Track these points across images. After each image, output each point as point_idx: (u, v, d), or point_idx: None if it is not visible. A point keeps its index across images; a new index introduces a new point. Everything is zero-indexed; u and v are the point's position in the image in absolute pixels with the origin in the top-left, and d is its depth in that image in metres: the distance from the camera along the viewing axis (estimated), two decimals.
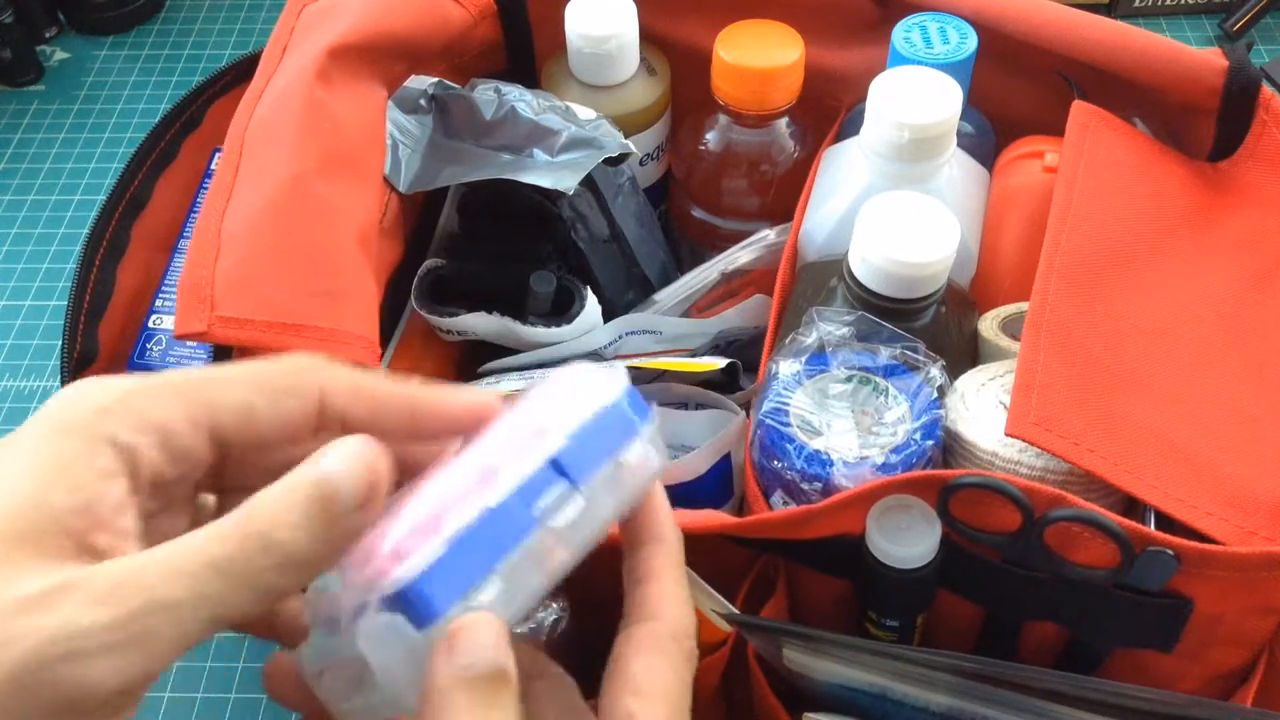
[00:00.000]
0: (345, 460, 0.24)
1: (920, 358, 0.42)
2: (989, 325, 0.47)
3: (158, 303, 0.52)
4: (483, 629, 0.24)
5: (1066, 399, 0.39)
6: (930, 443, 0.40)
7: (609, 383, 0.29)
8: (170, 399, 0.25)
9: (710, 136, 0.55)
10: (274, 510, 0.23)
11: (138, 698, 0.23)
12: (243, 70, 0.53)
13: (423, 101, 0.53)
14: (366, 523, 0.25)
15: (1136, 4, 0.84)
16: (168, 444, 0.25)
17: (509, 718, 0.24)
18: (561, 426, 0.27)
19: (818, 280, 0.47)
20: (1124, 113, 0.48)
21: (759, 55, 0.51)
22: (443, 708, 0.23)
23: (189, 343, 0.49)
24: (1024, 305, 0.42)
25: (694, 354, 0.54)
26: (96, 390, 0.25)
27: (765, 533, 0.39)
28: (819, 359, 0.43)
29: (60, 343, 0.47)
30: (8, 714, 0.21)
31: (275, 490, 0.24)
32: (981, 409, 0.41)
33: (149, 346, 0.50)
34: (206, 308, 0.40)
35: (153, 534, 0.25)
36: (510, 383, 0.48)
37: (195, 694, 0.55)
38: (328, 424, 0.27)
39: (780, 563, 0.43)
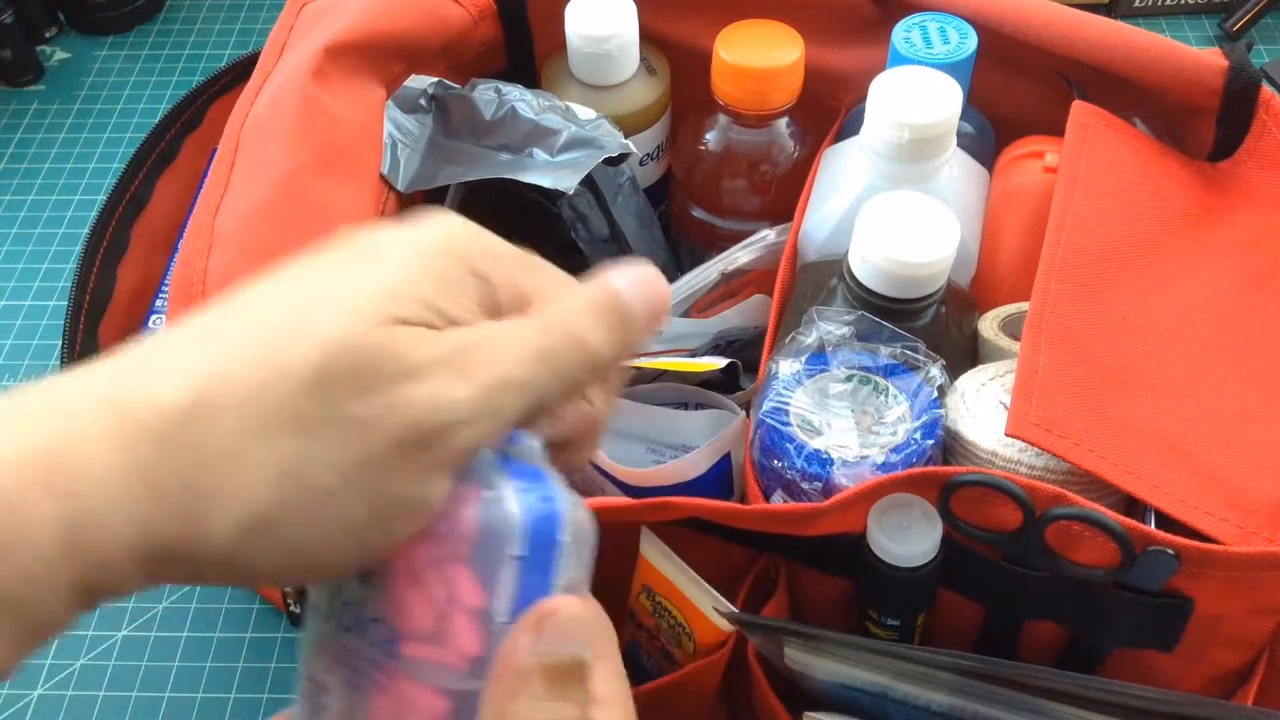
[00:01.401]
0: (638, 281, 0.28)
1: (920, 358, 0.42)
2: (989, 325, 0.47)
3: (158, 303, 0.52)
4: (572, 615, 0.25)
5: (1066, 399, 0.39)
6: (930, 442, 0.40)
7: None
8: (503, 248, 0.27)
9: (710, 136, 0.55)
10: (582, 317, 0.27)
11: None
12: (243, 70, 0.53)
13: (422, 101, 0.53)
14: (649, 338, 0.28)
15: (1136, 4, 0.84)
16: (500, 277, 0.26)
17: (578, 710, 0.24)
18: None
19: (818, 280, 0.47)
20: (1124, 113, 0.48)
21: (759, 55, 0.51)
22: (517, 687, 0.24)
23: None
24: (1024, 305, 0.42)
25: (694, 354, 0.54)
26: (467, 230, 0.27)
27: (770, 525, 0.39)
28: (819, 359, 0.43)
29: (60, 343, 0.48)
30: (390, 481, 0.23)
31: (580, 299, 0.27)
32: (981, 409, 0.41)
33: None
34: (198, 304, 0.40)
35: None
36: None
37: (195, 694, 0.55)
38: None
39: (781, 562, 0.43)
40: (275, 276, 0.25)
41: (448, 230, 0.26)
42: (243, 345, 0.23)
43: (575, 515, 0.26)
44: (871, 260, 0.42)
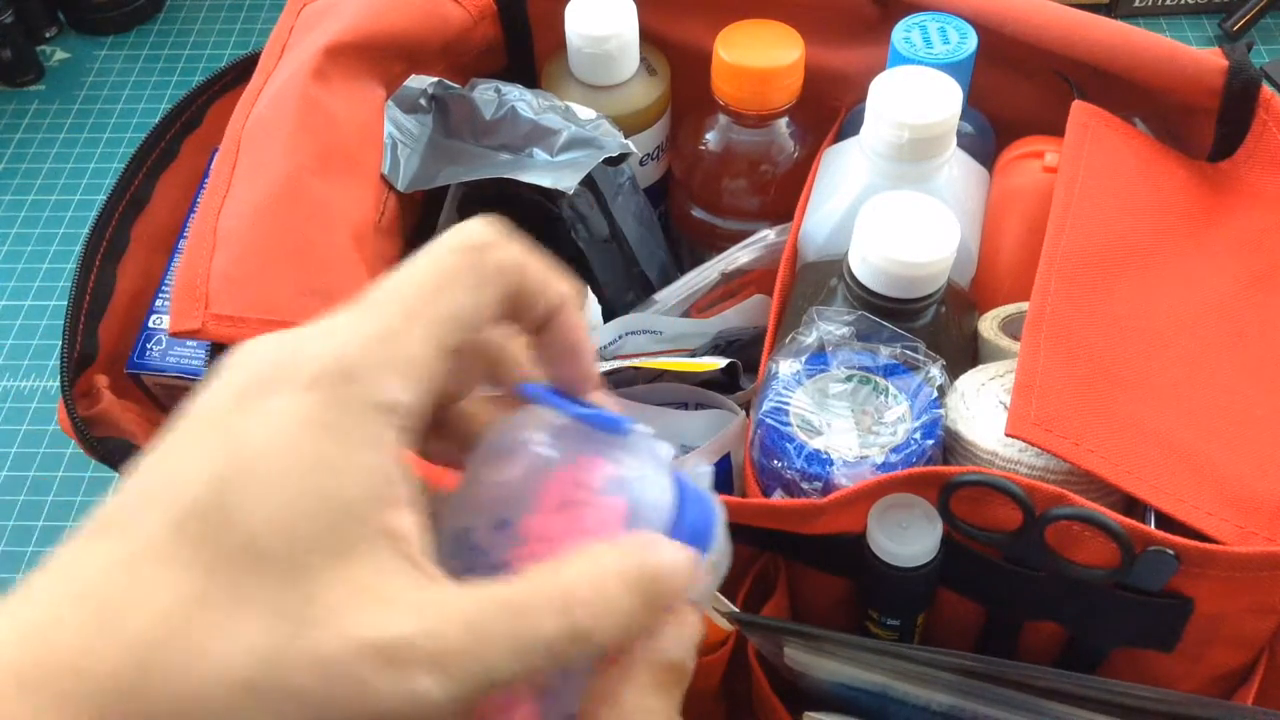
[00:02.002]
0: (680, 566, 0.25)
1: (920, 358, 0.42)
2: (989, 325, 0.47)
3: (158, 303, 0.52)
4: (686, 622, 0.25)
5: (1066, 399, 0.39)
6: (930, 442, 0.40)
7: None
8: (412, 329, 0.24)
9: (710, 136, 0.55)
10: (601, 604, 0.23)
11: None
12: (243, 70, 0.53)
13: (422, 101, 0.53)
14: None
15: (1136, 4, 0.84)
16: (424, 382, 0.24)
17: (672, 709, 0.25)
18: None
19: (818, 280, 0.47)
20: (1124, 113, 0.48)
21: (759, 55, 0.52)
22: (628, 675, 0.25)
23: (188, 342, 0.49)
24: (1024, 305, 0.42)
25: (694, 354, 0.54)
26: (335, 349, 0.23)
27: (769, 521, 0.39)
28: (819, 359, 0.43)
29: (60, 343, 0.48)
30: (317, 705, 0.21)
31: (606, 592, 0.23)
32: (981, 409, 0.41)
33: (149, 346, 0.50)
34: (201, 305, 0.40)
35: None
36: None
37: None
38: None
39: (781, 562, 0.43)
40: (160, 477, 0.22)
41: (343, 370, 0.23)
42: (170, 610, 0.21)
43: (723, 537, 0.27)
44: (871, 260, 0.42)
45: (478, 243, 0.25)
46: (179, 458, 0.22)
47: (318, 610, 0.21)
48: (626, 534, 0.25)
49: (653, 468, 0.26)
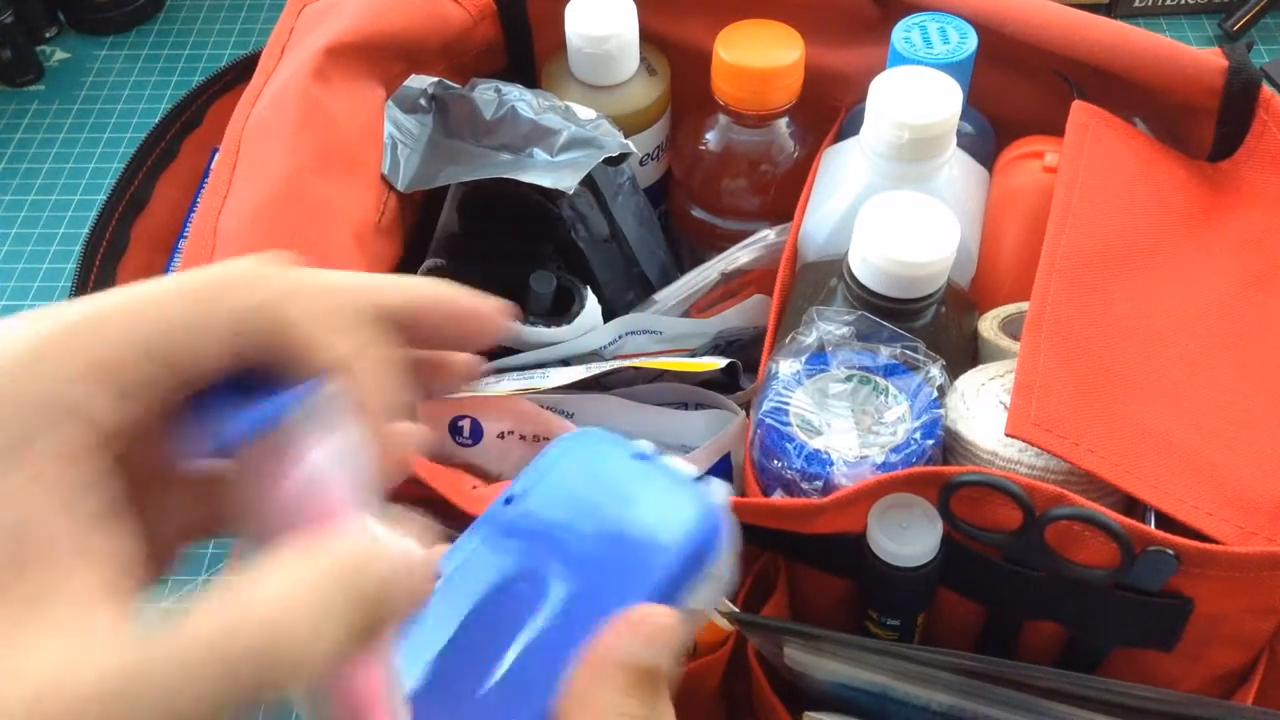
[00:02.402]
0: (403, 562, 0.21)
1: (920, 358, 0.42)
2: (989, 325, 0.47)
3: None
4: (663, 625, 0.25)
5: (1066, 399, 0.39)
6: (930, 442, 0.40)
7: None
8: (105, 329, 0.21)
9: (710, 136, 0.55)
10: (298, 626, 0.19)
11: None
12: (243, 70, 0.53)
13: (422, 101, 0.53)
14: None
15: (1136, 4, 0.84)
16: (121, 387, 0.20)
17: (648, 713, 0.24)
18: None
19: (818, 280, 0.47)
20: (1124, 113, 0.48)
21: (759, 55, 0.52)
22: (602, 675, 0.24)
23: None
24: (1024, 305, 0.42)
25: (694, 354, 0.54)
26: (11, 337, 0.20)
27: (769, 520, 0.39)
28: (819, 359, 0.43)
29: None
30: None
31: (302, 601, 0.19)
32: (981, 409, 0.41)
33: None
34: None
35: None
36: (510, 383, 0.48)
37: None
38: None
39: (781, 561, 0.43)
40: None
41: None
42: None
43: (730, 551, 0.27)
44: (871, 260, 0.42)
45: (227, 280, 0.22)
46: None
47: None
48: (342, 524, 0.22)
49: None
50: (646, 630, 0.25)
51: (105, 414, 0.20)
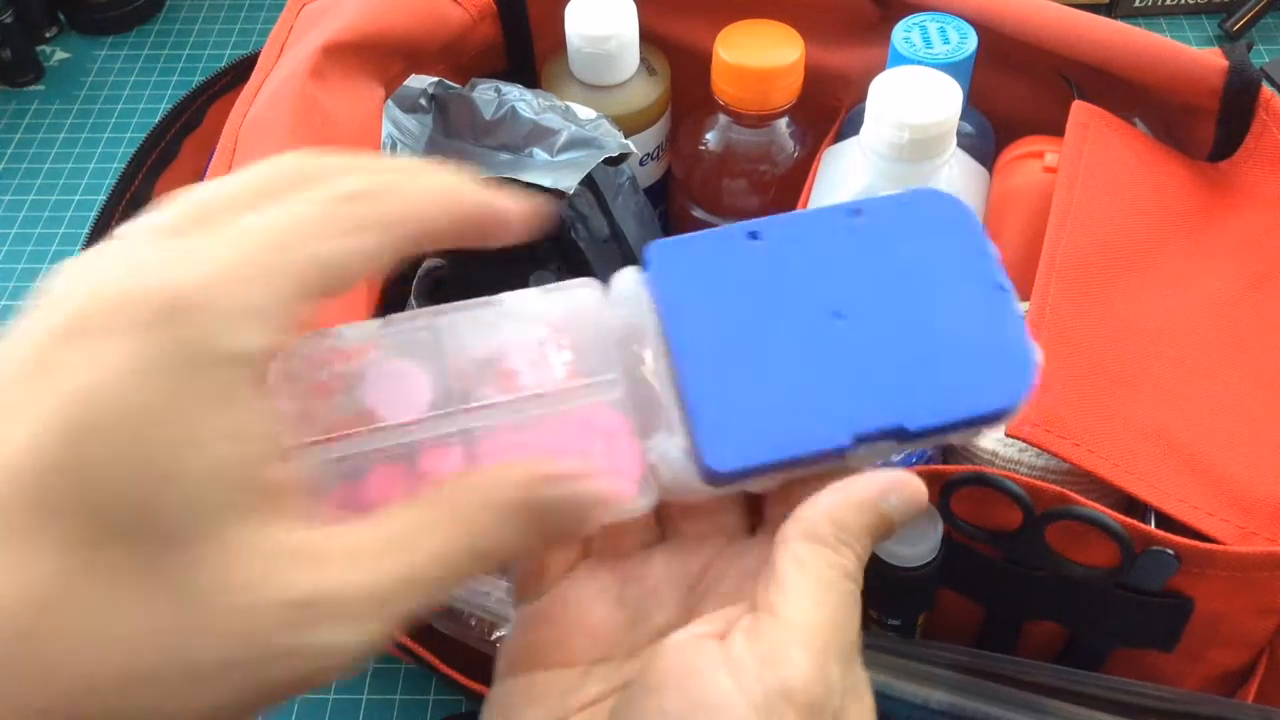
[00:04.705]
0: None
1: None
2: None
3: None
4: (918, 500, 0.27)
5: (1067, 399, 0.39)
6: None
7: None
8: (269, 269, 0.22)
9: (710, 136, 0.55)
10: (489, 527, 0.23)
11: None
12: (243, 70, 0.53)
13: (422, 101, 0.53)
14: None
15: (1136, 4, 0.84)
16: (277, 329, 0.22)
17: (866, 554, 0.26)
18: None
19: None
20: (1124, 113, 0.48)
21: (759, 55, 0.51)
22: (858, 509, 0.26)
23: None
24: (1024, 305, 0.42)
25: None
26: (224, 275, 0.20)
27: None
28: None
29: None
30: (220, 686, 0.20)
31: (495, 505, 0.23)
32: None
33: None
34: None
35: None
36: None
37: None
38: None
39: None
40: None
41: (179, 314, 0.20)
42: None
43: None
44: None
45: (356, 190, 0.23)
46: (11, 409, 0.19)
47: (215, 581, 0.19)
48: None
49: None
50: (911, 498, 0.26)
51: (264, 355, 0.21)
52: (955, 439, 0.28)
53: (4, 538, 0.19)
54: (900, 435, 0.27)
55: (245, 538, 0.20)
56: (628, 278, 0.30)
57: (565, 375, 0.29)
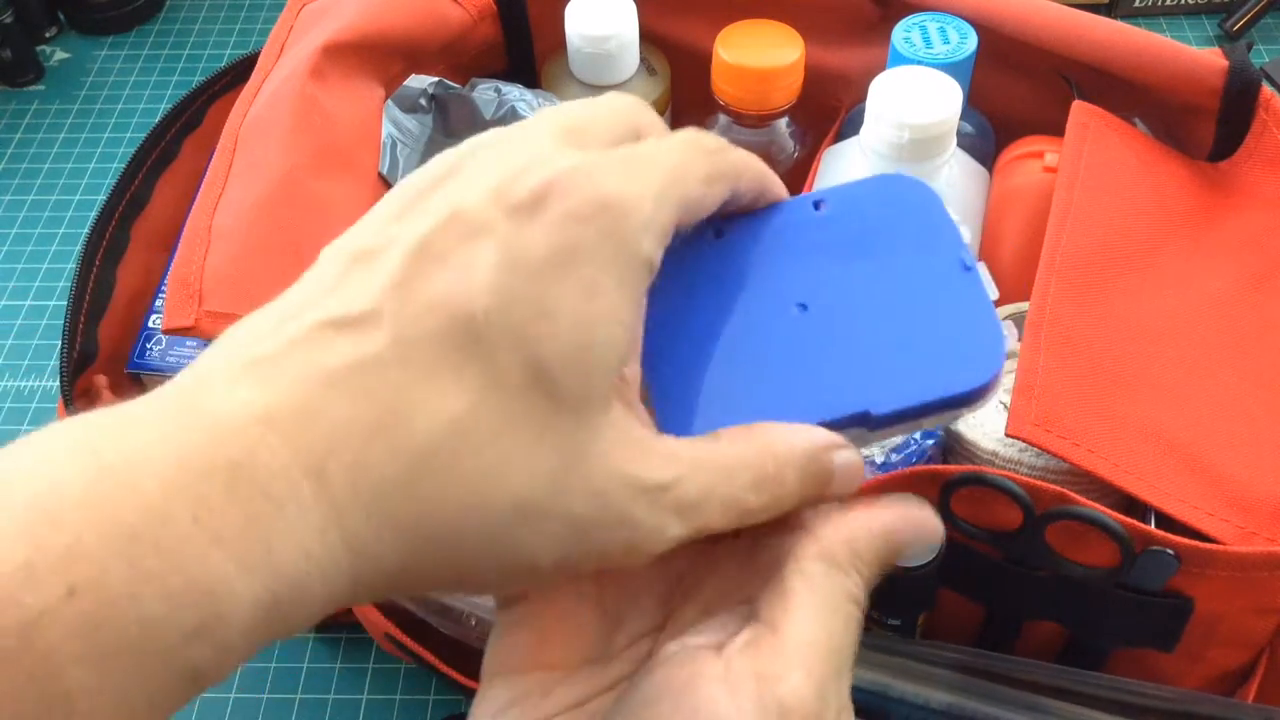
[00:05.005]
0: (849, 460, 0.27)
1: None
2: None
3: (157, 303, 0.52)
4: (930, 531, 0.28)
5: (1066, 399, 0.39)
6: (930, 442, 0.40)
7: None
8: (668, 198, 0.25)
9: None
10: (777, 491, 0.25)
11: None
12: (243, 70, 0.53)
13: (422, 101, 0.53)
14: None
15: (1136, 4, 0.84)
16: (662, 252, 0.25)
17: (872, 583, 0.27)
18: None
19: None
20: (1124, 113, 0.48)
21: (759, 55, 0.51)
22: (872, 536, 0.27)
23: (188, 341, 0.49)
24: (1024, 305, 0.42)
25: None
26: (637, 192, 0.24)
27: None
28: None
29: (60, 343, 0.47)
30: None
31: (782, 476, 0.25)
32: (981, 409, 0.41)
33: (149, 346, 0.51)
34: (195, 302, 0.40)
35: None
36: None
37: None
38: None
39: None
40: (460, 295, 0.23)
41: (628, 204, 0.24)
42: (473, 403, 0.22)
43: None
44: None
45: (714, 145, 0.26)
46: (449, 255, 0.22)
47: (599, 446, 0.23)
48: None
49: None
50: (925, 532, 0.28)
51: (654, 272, 0.25)
52: (929, 423, 0.27)
53: (419, 366, 0.22)
54: (866, 421, 0.26)
55: (621, 418, 0.24)
56: None
57: None
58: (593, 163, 0.24)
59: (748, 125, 0.54)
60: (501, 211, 0.23)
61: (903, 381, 0.26)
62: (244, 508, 0.20)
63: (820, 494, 0.26)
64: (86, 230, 0.50)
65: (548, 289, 0.22)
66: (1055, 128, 0.48)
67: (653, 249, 0.24)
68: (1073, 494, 0.36)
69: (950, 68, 0.47)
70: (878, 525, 0.27)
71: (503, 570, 0.23)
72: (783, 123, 0.54)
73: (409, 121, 0.52)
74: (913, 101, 0.45)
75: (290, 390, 0.21)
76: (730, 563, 0.28)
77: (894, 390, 0.26)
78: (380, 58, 0.51)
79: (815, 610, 0.25)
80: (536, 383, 0.22)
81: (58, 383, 0.49)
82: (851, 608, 0.26)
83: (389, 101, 0.52)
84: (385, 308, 0.22)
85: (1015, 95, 0.53)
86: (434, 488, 0.21)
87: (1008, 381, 0.42)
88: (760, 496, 0.25)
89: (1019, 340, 0.41)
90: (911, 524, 0.27)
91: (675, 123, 0.58)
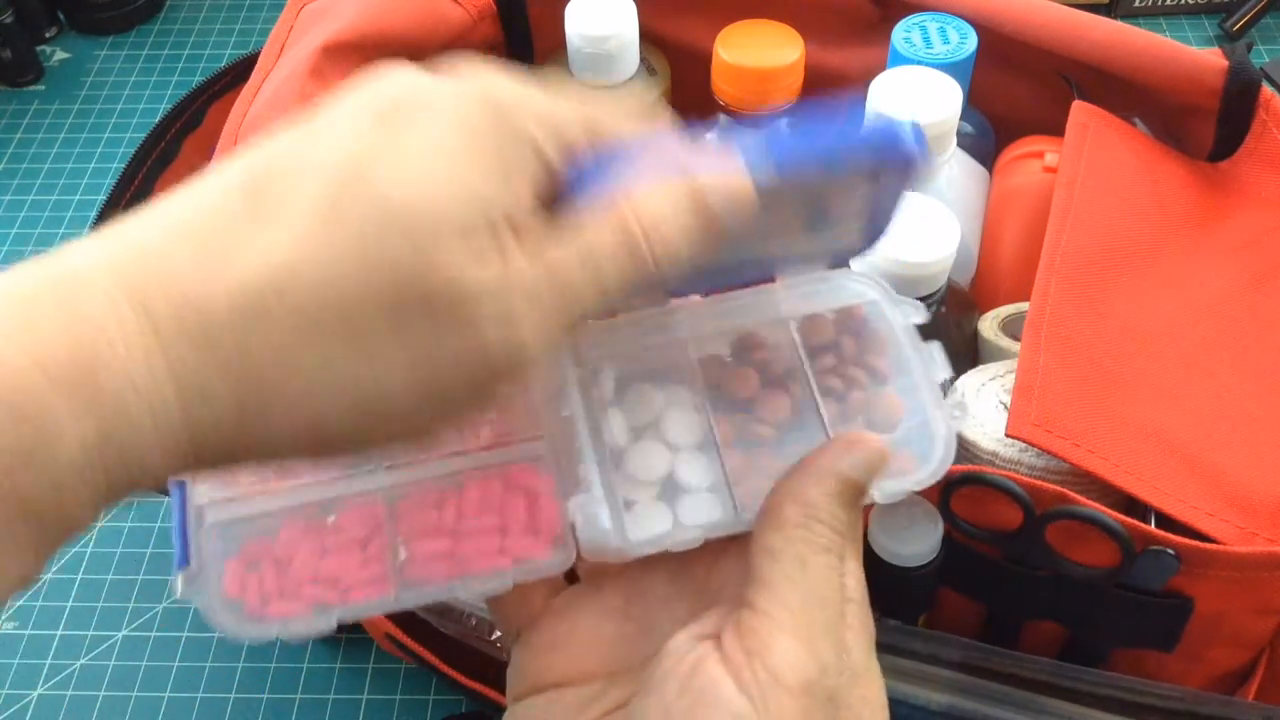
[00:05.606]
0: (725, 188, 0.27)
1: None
2: (989, 325, 0.47)
3: None
4: (877, 454, 0.28)
5: (1067, 400, 0.39)
6: None
7: None
8: (566, 110, 0.27)
9: (710, 137, 0.55)
10: (659, 226, 0.26)
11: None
12: (243, 70, 0.53)
13: None
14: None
15: (1136, 4, 0.84)
16: (553, 143, 0.26)
17: (849, 522, 0.27)
18: None
19: None
20: (1124, 113, 0.48)
21: (759, 55, 0.51)
22: (815, 481, 0.27)
23: None
24: (1024, 305, 0.42)
25: None
26: (509, 85, 0.26)
27: None
28: None
29: None
30: (457, 401, 0.24)
31: (661, 204, 0.26)
32: (982, 409, 0.41)
33: None
34: None
35: None
36: None
37: (195, 694, 0.55)
38: None
39: None
40: (307, 153, 0.25)
41: (493, 98, 0.25)
42: (301, 246, 0.23)
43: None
44: (871, 260, 0.42)
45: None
46: (325, 137, 0.25)
47: (433, 268, 0.23)
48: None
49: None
50: (867, 453, 0.28)
51: (545, 164, 0.26)
52: (849, 179, 0.28)
53: (263, 213, 0.23)
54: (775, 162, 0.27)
55: (474, 246, 0.24)
56: None
57: (489, 433, 0.30)
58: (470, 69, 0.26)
59: (748, 125, 0.54)
60: (376, 116, 0.25)
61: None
62: (67, 328, 0.21)
63: (711, 226, 0.26)
64: (87, 230, 0.50)
65: (379, 142, 0.24)
66: (1055, 128, 0.48)
67: (541, 137, 0.25)
68: (1073, 494, 0.36)
69: (950, 68, 0.47)
70: (814, 468, 0.27)
71: (357, 411, 0.23)
72: (783, 123, 0.54)
73: None
74: (913, 101, 0.45)
75: (124, 233, 0.23)
76: (742, 562, 0.29)
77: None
78: (380, 58, 0.51)
79: (784, 578, 0.26)
80: (363, 219, 0.23)
81: None
82: (823, 558, 0.26)
83: None
84: (221, 169, 0.24)
85: (1015, 95, 0.53)
86: (261, 323, 0.22)
87: (1008, 382, 0.42)
88: (632, 252, 0.25)
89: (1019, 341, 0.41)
90: (850, 451, 0.28)
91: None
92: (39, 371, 0.20)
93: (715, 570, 0.30)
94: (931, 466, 0.30)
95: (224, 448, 0.22)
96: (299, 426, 0.23)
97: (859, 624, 0.27)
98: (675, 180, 0.26)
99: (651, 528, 0.29)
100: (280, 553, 0.29)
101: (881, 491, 0.30)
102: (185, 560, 0.29)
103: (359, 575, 0.29)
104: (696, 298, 0.33)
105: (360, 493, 0.30)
